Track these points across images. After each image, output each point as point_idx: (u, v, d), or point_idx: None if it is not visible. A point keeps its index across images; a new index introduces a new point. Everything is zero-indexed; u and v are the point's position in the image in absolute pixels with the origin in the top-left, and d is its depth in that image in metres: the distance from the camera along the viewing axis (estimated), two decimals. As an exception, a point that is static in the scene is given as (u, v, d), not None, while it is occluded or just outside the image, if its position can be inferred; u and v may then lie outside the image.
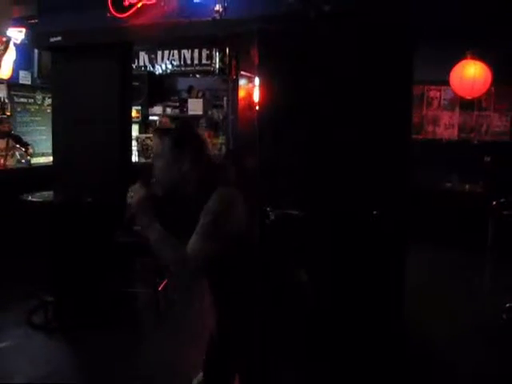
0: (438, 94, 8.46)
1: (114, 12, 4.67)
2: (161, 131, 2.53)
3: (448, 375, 3.84)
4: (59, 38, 4.94)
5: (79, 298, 4.77)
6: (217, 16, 4.45)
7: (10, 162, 6.76)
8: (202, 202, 2.32)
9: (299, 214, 4.23)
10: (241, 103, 8.60)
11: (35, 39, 5.56)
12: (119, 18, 4.69)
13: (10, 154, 6.77)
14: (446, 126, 8.49)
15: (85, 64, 5.05)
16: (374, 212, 4.12)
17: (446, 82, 7.38)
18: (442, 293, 5.31)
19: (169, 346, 4.16)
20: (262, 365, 2.59)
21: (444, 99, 8.46)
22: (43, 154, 7.60)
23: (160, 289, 5.00)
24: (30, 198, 4.87)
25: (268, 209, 4.28)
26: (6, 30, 5.24)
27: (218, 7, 4.43)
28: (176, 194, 2.52)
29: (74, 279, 4.83)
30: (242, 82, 8.56)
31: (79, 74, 5.10)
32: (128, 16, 4.68)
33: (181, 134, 2.47)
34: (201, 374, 2.83)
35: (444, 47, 6.99)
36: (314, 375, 3.54)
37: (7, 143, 6.75)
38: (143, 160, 7.55)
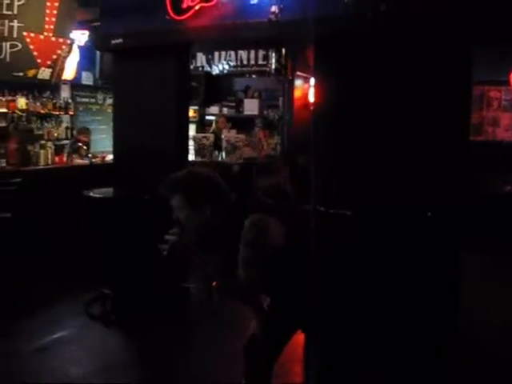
0: (499, 94, 8.26)
1: (172, 14, 4.78)
2: (169, 189, 2.55)
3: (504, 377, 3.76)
4: (120, 40, 5.09)
5: (136, 291, 4.90)
6: (273, 17, 4.50)
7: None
8: (236, 230, 2.44)
9: (352, 215, 4.22)
10: (296, 103, 8.65)
11: (97, 41, 5.74)
12: (177, 20, 4.79)
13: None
14: (507, 128, 8.27)
15: (144, 65, 5.18)
16: (428, 213, 4.08)
17: (507, 83, 7.20)
18: (497, 298, 5.19)
19: (220, 343, 4.21)
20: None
21: (504, 100, 8.24)
22: (103, 153, 7.82)
23: (214, 285, 5.07)
24: (90, 193, 5.05)
25: (321, 208, 4.28)
26: (70, 32, 5.45)
27: (274, 8, 4.47)
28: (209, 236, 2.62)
29: (131, 273, 4.97)
30: (298, 82, 8.60)
31: (139, 75, 5.24)
32: (186, 18, 4.77)
33: (190, 191, 2.53)
34: None
35: (505, 47, 6.83)
36: (364, 376, 3.53)
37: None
38: (199, 159, 7.67)
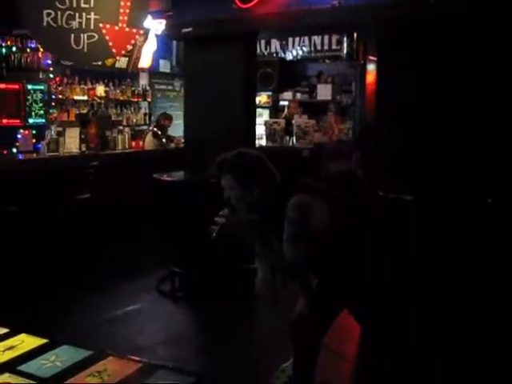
0: None
1: (238, 3, 4.93)
2: (220, 168, 2.68)
3: None
4: (190, 29, 5.29)
5: (205, 270, 5.12)
6: (336, 3, 4.56)
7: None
8: (284, 210, 2.54)
9: (412, 200, 4.24)
10: (368, 88, 8.57)
11: (169, 30, 5.99)
12: (243, 8, 4.94)
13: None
14: None
15: (213, 53, 5.36)
16: (489, 200, 4.03)
17: None
18: None
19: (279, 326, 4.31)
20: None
21: None
22: (179, 137, 8.09)
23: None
24: (162, 177, 5.29)
25: (381, 193, 4.33)
26: (143, 23, 5.72)
27: (337, -6, 4.53)
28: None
29: (200, 253, 5.19)
30: (370, 66, 8.53)
31: (208, 63, 5.42)
32: (252, 6, 4.91)
33: (239, 170, 2.64)
34: (290, 362, 3.03)
35: None
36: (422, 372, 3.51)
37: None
38: (270, 144, 7.81)
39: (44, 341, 2.06)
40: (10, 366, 1.86)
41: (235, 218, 2.71)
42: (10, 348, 2.00)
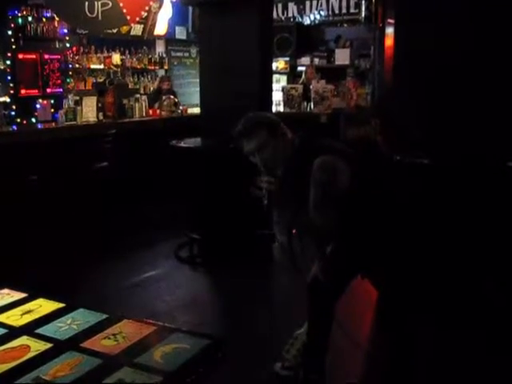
0: None
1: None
2: (238, 140, 2.76)
3: None
4: (205, -6, 5.24)
5: (222, 237, 5.15)
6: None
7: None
8: (306, 170, 2.55)
9: (430, 164, 4.20)
10: (387, 52, 8.41)
11: (184, -4, 5.93)
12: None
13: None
14: None
15: (227, 18, 5.29)
16: (509, 163, 3.98)
17: None
18: None
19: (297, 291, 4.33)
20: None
21: None
22: (197, 105, 8.06)
23: (294, 232, 5.22)
24: (180, 144, 5.29)
25: (398, 157, 4.30)
26: (158, -12, 5.67)
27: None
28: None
29: (218, 219, 5.22)
30: (389, 30, 8.36)
31: (223, 28, 5.36)
32: (266, -31, 4.84)
33: (250, 133, 2.71)
34: (303, 329, 3.05)
35: None
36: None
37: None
38: (288, 110, 7.76)
39: (61, 305, 2.10)
40: (28, 329, 1.90)
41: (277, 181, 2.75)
42: (28, 312, 2.04)
